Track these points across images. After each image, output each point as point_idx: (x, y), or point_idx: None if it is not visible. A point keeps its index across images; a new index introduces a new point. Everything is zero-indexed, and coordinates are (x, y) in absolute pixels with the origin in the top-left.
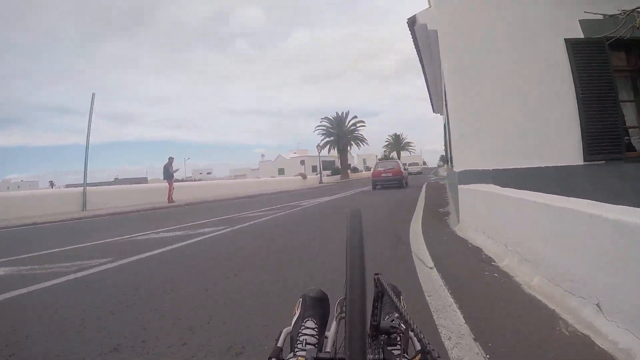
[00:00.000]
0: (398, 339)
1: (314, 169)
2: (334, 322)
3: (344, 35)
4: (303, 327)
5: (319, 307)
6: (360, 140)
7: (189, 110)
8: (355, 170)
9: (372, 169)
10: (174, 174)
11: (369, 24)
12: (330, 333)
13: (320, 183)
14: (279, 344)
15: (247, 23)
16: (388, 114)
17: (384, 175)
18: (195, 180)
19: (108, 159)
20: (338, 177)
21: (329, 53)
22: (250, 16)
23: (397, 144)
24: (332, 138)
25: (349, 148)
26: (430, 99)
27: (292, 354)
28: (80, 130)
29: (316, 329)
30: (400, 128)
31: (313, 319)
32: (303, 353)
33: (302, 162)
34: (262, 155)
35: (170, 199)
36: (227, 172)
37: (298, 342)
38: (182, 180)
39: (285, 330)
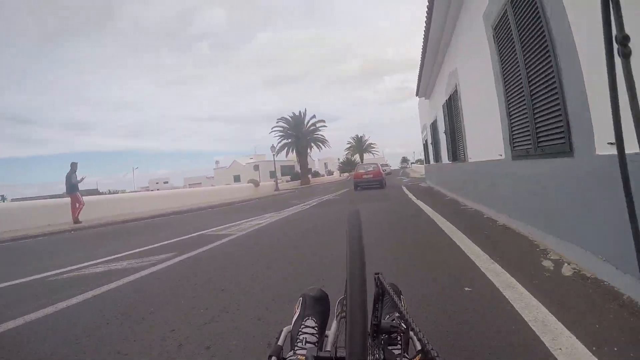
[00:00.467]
0: (398, 338)
1: (273, 174)
2: (335, 321)
3: (306, 38)
4: (303, 326)
5: (319, 306)
6: (321, 141)
7: (149, 116)
8: (316, 174)
9: (354, 171)
10: (79, 184)
11: (332, 28)
12: (330, 332)
13: (276, 190)
14: (279, 343)
15: (211, 24)
16: (349, 119)
17: (365, 176)
18: (150, 190)
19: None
20: (298, 182)
21: (291, 56)
22: (214, 17)
23: (359, 145)
24: (290, 140)
25: (309, 150)
26: (419, 82)
27: (292, 352)
28: (36, 141)
29: (316, 328)
30: (362, 132)
31: (313, 318)
32: (303, 352)
33: (256, 168)
34: (217, 162)
35: (75, 218)
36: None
37: (298, 340)
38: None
39: (285, 329)
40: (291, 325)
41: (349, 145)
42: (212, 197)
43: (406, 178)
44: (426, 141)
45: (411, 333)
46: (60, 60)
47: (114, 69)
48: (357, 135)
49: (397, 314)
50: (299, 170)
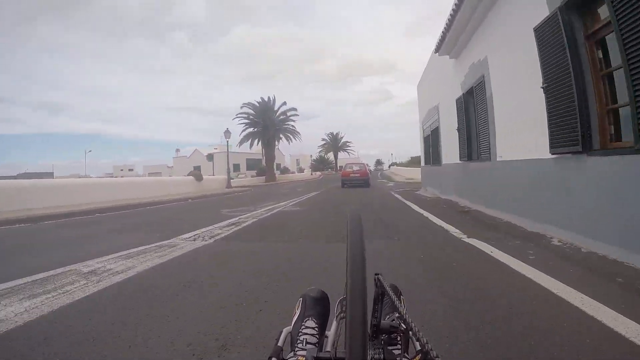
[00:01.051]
0: (398, 338)
1: (237, 167)
2: (335, 322)
3: (285, 35)
4: (303, 327)
5: (319, 307)
6: (291, 133)
7: (122, 103)
8: (285, 171)
9: (342, 169)
10: None
11: (312, 27)
12: (330, 333)
13: (228, 187)
14: (280, 344)
15: (189, 14)
16: (324, 118)
17: (352, 175)
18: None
19: (29, 152)
20: (264, 178)
21: (268, 52)
22: (193, 7)
23: (334, 143)
24: (255, 129)
25: (277, 143)
26: (444, 37)
27: (292, 353)
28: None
29: (316, 329)
30: (337, 131)
31: (313, 319)
32: (303, 352)
33: (210, 158)
34: (177, 151)
35: None
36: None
37: (298, 341)
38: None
39: (285, 330)
40: (291, 326)
41: (323, 142)
42: (145, 191)
43: (390, 182)
44: (432, 132)
45: (410, 333)
46: (36, 40)
47: (90, 54)
48: (332, 133)
49: (397, 314)
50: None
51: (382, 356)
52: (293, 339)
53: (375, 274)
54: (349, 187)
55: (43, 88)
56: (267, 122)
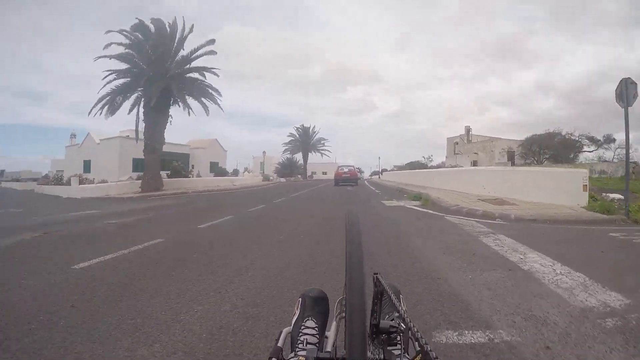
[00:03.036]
0: (398, 338)
1: (137, 166)
2: (334, 322)
3: (273, 37)
4: (303, 327)
5: (318, 307)
6: (202, 92)
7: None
8: (223, 172)
9: (334, 171)
10: None
11: (302, 32)
12: (330, 333)
13: None
14: (280, 344)
15: (180, 5)
16: (303, 123)
17: (344, 175)
18: None
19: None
20: (156, 183)
21: (254, 52)
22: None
23: (305, 139)
24: (132, 79)
25: (181, 107)
26: None
27: (292, 353)
28: None
29: (316, 329)
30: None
31: (313, 319)
32: (303, 353)
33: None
34: (72, 137)
35: None
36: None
37: (298, 341)
38: None
39: (285, 330)
40: (291, 327)
41: (290, 139)
42: None
43: (384, 195)
44: None
45: (409, 333)
46: (17, 26)
47: (73, 43)
48: (302, 125)
49: (396, 314)
50: (178, 163)
51: (381, 356)
52: (293, 339)
53: (374, 274)
54: (342, 185)
55: (24, 75)
56: (156, 67)
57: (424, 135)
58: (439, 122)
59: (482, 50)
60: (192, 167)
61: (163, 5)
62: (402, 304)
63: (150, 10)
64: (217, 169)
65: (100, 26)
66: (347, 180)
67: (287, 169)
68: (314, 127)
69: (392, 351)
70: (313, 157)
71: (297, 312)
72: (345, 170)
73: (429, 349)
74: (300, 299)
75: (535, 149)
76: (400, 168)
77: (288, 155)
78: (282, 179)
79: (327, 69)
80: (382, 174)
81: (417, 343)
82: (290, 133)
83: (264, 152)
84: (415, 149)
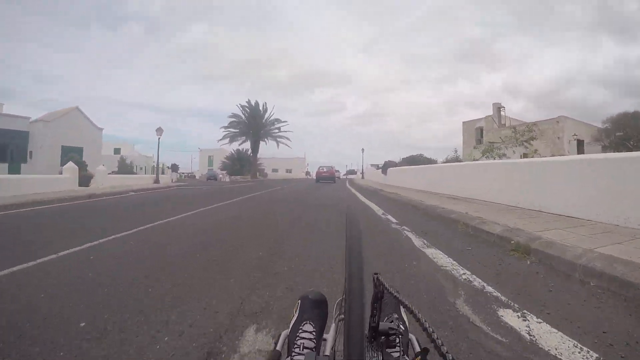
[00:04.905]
0: (397, 340)
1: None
2: (333, 324)
3: (243, 38)
4: (301, 331)
5: (317, 310)
6: None
7: (71, 93)
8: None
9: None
10: None
11: (272, 33)
12: (328, 336)
13: None
14: (278, 348)
15: (146, 4)
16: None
17: (324, 174)
18: None
19: None
20: None
21: (223, 54)
22: None
23: (254, 122)
24: None
25: None
26: None
27: (289, 358)
28: None
29: (314, 332)
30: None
31: (311, 322)
32: (301, 357)
33: None
34: None
35: None
36: None
37: (295, 345)
38: None
39: (283, 334)
40: (289, 330)
41: (232, 120)
42: None
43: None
44: None
45: (411, 335)
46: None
47: (39, 38)
48: (249, 102)
49: (395, 316)
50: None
51: (380, 358)
52: (290, 343)
53: (374, 274)
54: (322, 182)
55: None
56: None
57: (393, 136)
58: (409, 123)
59: (449, 54)
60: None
61: (129, 3)
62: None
63: (122, 9)
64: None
65: (67, 21)
66: (326, 178)
67: (237, 164)
68: (265, 104)
69: (391, 353)
70: (270, 149)
71: (296, 315)
72: (325, 170)
73: (440, 343)
74: (299, 302)
75: (622, 135)
76: (385, 166)
77: (226, 145)
78: (239, 177)
79: (296, 71)
80: (364, 174)
81: (428, 338)
82: (233, 113)
83: (158, 130)
84: (384, 151)
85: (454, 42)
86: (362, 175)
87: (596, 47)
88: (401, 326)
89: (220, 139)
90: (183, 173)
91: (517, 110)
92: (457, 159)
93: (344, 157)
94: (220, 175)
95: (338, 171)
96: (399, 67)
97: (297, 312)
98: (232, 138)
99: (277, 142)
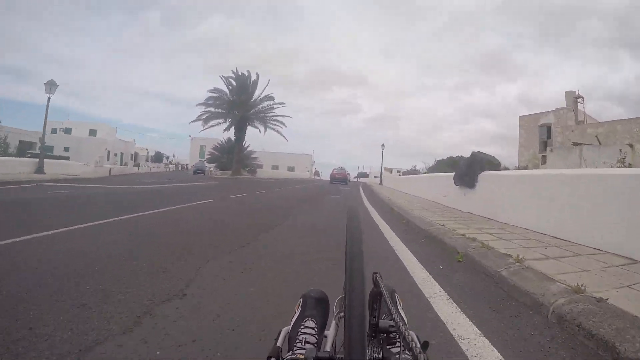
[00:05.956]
0: (397, 337)
1: None
2: (333, 322)
3: (260, 32)
4: (302, 327)
5: (319, 308)
6: None
7: (89, 78)
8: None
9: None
10: None
11: (290, 30)
12: (329, 332)
13: None
14: (278, 344)
15: None
16: (288, 123)
17: (337, 176)
18: None
19: None
20: None
21: (240, 47)
22: None
23: (240, 100)
24: None
25: None
26: None
27: (290, 352)
28: None
29: (315, 329)
30: (296, 141)
31: (313, 319)
32: (302, 352)
33: None
34: None
35: None
36: None
37: (297, 341)
38: None
39: (284, 330)
40: (290, 326)
41: (212, 95)
42: None
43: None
44: None
45: (411, 331)
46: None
47: (58, 21)
48: (237, 71)
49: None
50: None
51: (380, 355)
52: (292, 339)
53: (374, 273)
54: (335, 183)
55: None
56: None
57: (403, 142)
58: (423, 129)
59: (467, 62)
60: None
61: None
62: (398, 301)
63: None
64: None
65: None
66: (339, 179)
67: (225, 156)
68: (258, 76)
69: (391, 350)
70: (272, 140)
71: (297, 312)
72: (339, 172)
73: (418, 352)
74: (301, 299)
75: None
76: (406, 173)
77: (226, 136)
78: (217, 173)
79: (312, 69)
80: (382, 179)
81: (410, 343)
82: (215, 88)
83: (48, 84)
84: (394, 156)
85: (471, 51)
86: (380, 180)
87: (614, 62)
88: (401, 324)
89: (194, 120)
90: (179, 164)
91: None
92: (524, 167)
93: (355, 158)
94: (211, 169)
95: (349, 174)
96: (416, 72)
97: (299, 309)
98: (208, 119)
99: (266, 128)
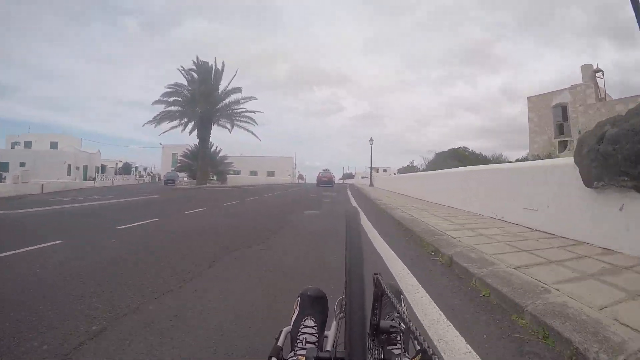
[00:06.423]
0: (398, 338)
1: None
2: (334, 322)
3: (240, 34)
4: (302, 326)
5: (317, 306)
6: None
7: (69, 90)
8: None
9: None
10: None
11: (270, 31)
12: (330, 332)
13: None
14: (279, 343)
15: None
16: (273, 124)
17: (323, 178)
18: None
19: None
20: None
21: (220, 50)
22: None
23: (201, 94)
24: None
25: None
26: None
27: (292, 352)
28: None
29: (315, 328)
30: (282, 142)
31: (312, 318)
32: (303, 352)
33: None
34: None
35: None
36: None
37: (298, 341)
38: None
39: (285, 330)
40: (290, 326)
41: (169, 90)
42: None
43: None
44: None
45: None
46: None
47: (33, 31)
48: (198, 59)
49: (396, 314)
50: None
51: (381, 356)
52: (292, 339)
53: (375, 274)
54: (321, 186)
55: None
56: None
57: (389, 140)
58: (408, 126)
59: (450, 56)
60: None
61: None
62: (402, 303)
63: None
64: None
65: (65, 13)
66: (325, 182)
67: (195, 163)
68: (223, 64)
69: (392, 351)
70: (248, 142)
71: (296, 312)
72: (325, 175)
73: (427, 346)
74: (298, 298)
75: None
76: (405, 170)
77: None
78: (187, 180)
79: (293, 69)
80: (372, 179)
81: (416, 342)
82: (175, 82)
83: None
84: (381, 154)
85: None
86: (371, 182)
87: (595, 51)
88: (402, 324)
89: (149, 122)
90: (156, 175)
91: (514, 114)
92: (536, 158)
93: (342, 159)
94: (184, 179)
95: (334, 176)
96: (399, 67)
97: (298, 308)
98: (163, 118)
99: (233, 125)
